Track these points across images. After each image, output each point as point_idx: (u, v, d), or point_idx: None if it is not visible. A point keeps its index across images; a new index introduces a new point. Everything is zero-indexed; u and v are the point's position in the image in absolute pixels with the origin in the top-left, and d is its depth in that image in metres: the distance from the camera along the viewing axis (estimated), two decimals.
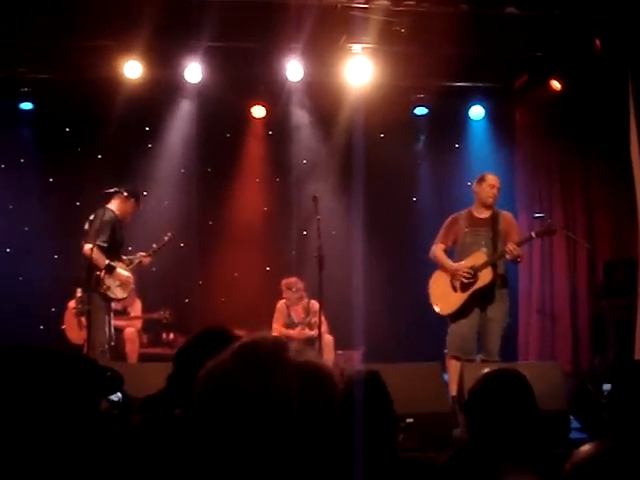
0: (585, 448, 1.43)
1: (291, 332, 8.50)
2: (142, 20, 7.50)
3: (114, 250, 7.21)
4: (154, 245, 7.71)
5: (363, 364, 7.51)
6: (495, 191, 7.10)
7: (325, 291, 6.93)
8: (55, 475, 1.35)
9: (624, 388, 2.70)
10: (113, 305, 7.41)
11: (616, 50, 7.90)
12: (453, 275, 7.03)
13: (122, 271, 7.23)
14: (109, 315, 7.29)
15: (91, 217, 7.25)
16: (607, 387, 5.76)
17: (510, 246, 6.80)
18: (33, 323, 8.72)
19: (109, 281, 7.13)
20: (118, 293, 7.23)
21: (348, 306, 7.40)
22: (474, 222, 7.12)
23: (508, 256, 6.86)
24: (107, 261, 7.06)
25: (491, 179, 7.16)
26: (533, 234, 7.23)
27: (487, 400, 2.71)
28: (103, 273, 7.04)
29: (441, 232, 7.26)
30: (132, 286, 7.45)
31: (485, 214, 7.13)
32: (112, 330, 7.34)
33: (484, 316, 6.97)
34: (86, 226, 7.25)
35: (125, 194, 7.33)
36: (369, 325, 7.55)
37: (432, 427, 5.35)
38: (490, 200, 7.10)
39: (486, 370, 2.91)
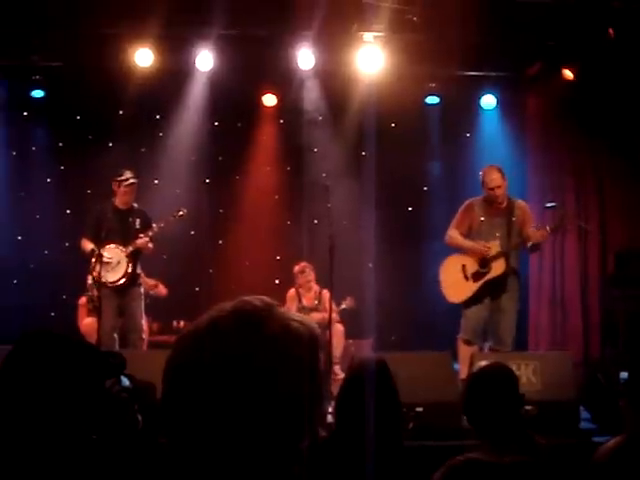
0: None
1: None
2: (153, 8, 7.50)
3: (105, 237, 7.24)
4: (154, 225, 7.48)
5: (373, 353, 7.51)
6: (497, 192, 6.93)
7: (336, 280, 6.92)
8: (57, 453, 1.37)
9: None
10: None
11: (630, 39, 7.84)
12: (478, 254, 6.98)
13: (106, 253, 7.23)
14: (120, 303, 7.30)
15: None
16: (624, 375, 5.71)
17: (531, 232, 6.82)
18: (44, 311, 8.75)
19: (99, 267, 7.12)
20: (109, 277, 7.25)
21: (359, 295, 7.39)
22: (490, 211, 7.06)
23: (532, 240, 6.85)
24: (91, 246, 7.17)
25: (488, 181, 6.97)
26: (548, 229, 7.19)
27: (479, 398, 2.91)
28: (93, 260, 7.10)
29: (457, 217, 7.20)
30: (122, 268, 7.31)
31: (501, 204, 7.08)
32: (131, 319, 7.36)
33: (496, 305, 6.97)
34: None
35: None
36: (380, 314, 7.55)
37: (442, 416, 5.36)
38: (498, 199, 7.00)
39: (475, 370, 3.04)
